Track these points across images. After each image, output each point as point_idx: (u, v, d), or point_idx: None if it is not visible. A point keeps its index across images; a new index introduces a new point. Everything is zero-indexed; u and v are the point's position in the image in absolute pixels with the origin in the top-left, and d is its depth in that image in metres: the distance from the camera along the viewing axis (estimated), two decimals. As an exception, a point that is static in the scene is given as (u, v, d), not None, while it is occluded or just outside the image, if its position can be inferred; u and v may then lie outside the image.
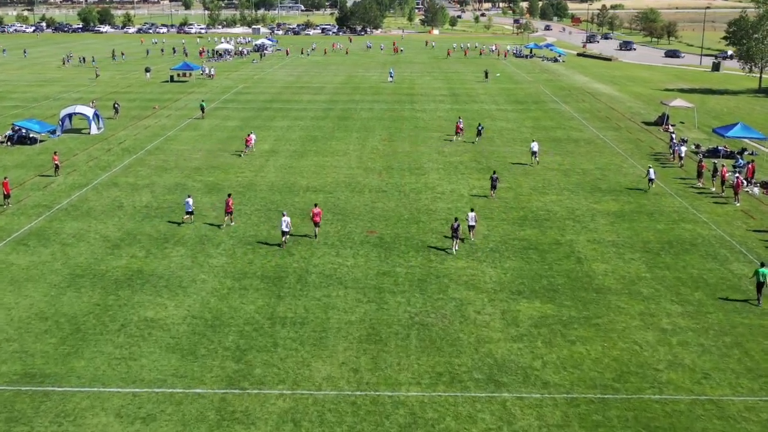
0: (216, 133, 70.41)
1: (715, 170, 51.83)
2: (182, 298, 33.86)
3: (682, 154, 58.10)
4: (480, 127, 67.77)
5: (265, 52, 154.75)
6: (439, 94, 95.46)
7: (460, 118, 72.15)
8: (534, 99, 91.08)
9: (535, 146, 58.42)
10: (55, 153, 55.74)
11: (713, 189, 51.61)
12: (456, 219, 40.26)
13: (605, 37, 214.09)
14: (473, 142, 66.43)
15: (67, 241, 41.01)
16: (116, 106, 78.01)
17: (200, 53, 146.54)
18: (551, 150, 63.35)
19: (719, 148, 61.77)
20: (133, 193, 50.53)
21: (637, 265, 37.90)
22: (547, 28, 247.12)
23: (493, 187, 50.11)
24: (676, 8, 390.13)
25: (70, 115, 70.28)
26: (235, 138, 67.72)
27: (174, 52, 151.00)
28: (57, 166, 54.38)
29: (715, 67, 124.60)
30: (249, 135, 63.38)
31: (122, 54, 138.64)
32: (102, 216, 45.43)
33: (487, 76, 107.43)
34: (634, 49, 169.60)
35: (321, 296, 34.20)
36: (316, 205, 42.39)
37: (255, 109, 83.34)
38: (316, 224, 41.38)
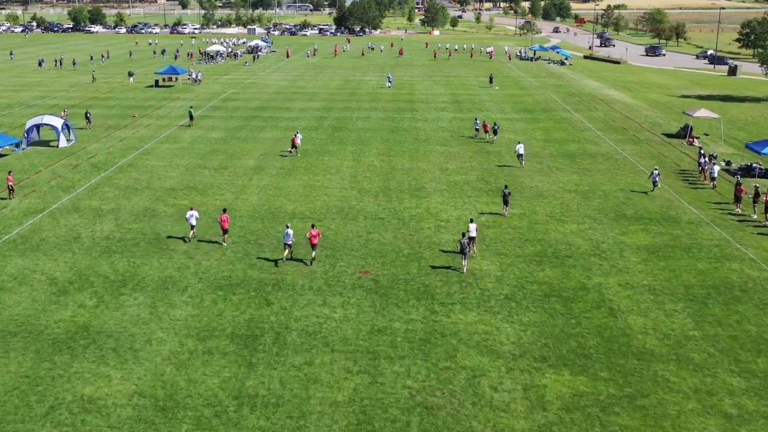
0: (197, 146, 64.16)
1: (757, 195, 45.61)
2: (132, 367, 27.61)
3: (714, 174, 51.87)
4: (495, 126, 66.28)
5: (259, 53, 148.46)
6: (440, 101, 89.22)
7: (477, 119, 70.97)
8: (543, 107, 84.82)
9: (520, 149, 56.49)
10: (9, 173, 49.39)
11: (754, 216, 45.35)
12: (464, 234, 36.90)
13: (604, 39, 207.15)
14: (490, 142, 65.31)
15: (5, 285, 34.76)
16: (88, 115, 71.62)
17: (189, 56, 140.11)
18: (566, 167, 57.11)
19: (754, 165, 55.62)
20: (94, 220, 44.28)
21: (682, 320, 31.67)
22: (557, 30, 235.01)
23: (506, 203, 44.87)
24: (680, 8, 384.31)
25: (37, 126, 64.03)
26: (218, 152, 61.48)
27: (163, 54, 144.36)
28: (11, 188, 48.09)
29: (732, 72, 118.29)
30: (295, 135, 61.81)
31: (102, 56, 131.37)
32: (54, 251, 39.17)
33: (491, 81, 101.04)
34: (664, 55, 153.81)
35: (301, 364, 27.97)
36: (313, 226, 38.02)
37: (243, 118, 77.07)
38: (314, 246, 37.02)
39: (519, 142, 59.25)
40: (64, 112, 72.65)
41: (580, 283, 35.47)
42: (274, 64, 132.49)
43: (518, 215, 45.50)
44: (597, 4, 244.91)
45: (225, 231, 39.77)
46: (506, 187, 46.97)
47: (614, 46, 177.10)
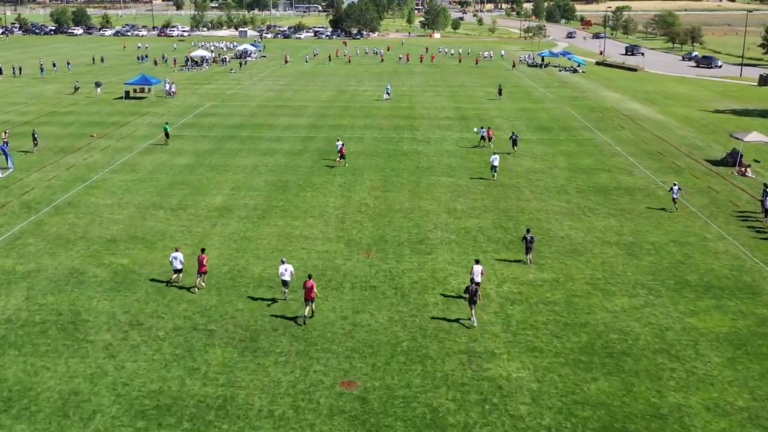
0: (157, 176, 53.82)
1: None
2: None
3: (788, 220, 41.74)
4: (514, 137, 61.25)
5: (247, 59, 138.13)
6: (444, 116, 78.88)
7: (482, 127, 65.89)
8: (562, 125, 74.47)
9: (495, 160, 52.82)
10: None
11: None
12: (472, 281, 31.36)
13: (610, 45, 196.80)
14: (510, 153, 60.67)
15: None
16: (35, 135, 61.32)
17: (173, 62, 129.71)
18: (600, 207, 46.83)
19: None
20: (0, 290, 33.90)
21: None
22: (570, 35, 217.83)
23: (528, 249, 37.17)
24: (686, 10, 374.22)
25: (-32, 152, 53.84)
26: (180, 186, 51.15)
27: (144, 60, 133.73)
28: None
29: (763, 81, 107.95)
30: (341, 145, 57.34)
31: (67, 63, 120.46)
32: (-72, 344, 28.82)
33: (500, 93, 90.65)
34: (720, 66, 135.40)
35: None
36: (310, 277, 30.83)
37: (217, 139, 66.69)
38: (311, 300, 30.64)
39: (494, 153, 55.31)
40: (6, 133, 62.19)
41: (649, 405, 25.16)
42: (262, 71, 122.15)
43: (551, 282, 35.17)
44: (609, 7, 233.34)
45: (203, 273, 33.80)
46: (528, 230, 37.82)
47: (643, 54, 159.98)
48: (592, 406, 25.05)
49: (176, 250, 34.41)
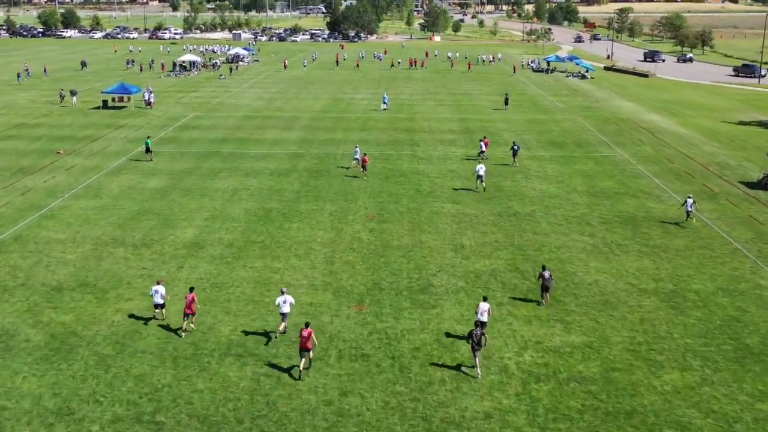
0: (124, 202, 47.36)
1: None
2: None
3: None
4: (515, 147, 57.19)
5: (239, 64, 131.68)
6: (447, 129, 72.46)
7: (485, 137, 61.37)
8: (575, 139, 68.05)
9: (481, 170, 49.84)
10: None
11: None
12: (477, 325, 27.45)
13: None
14: (511, 164, 57.12)
15: None
16: (-9, 155, 55.00)
17: (161, 67, 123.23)
18: (630, 243, 40.53)
19: None
20: None
21: None
22: (579, 40, 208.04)
23: (545, 288, 32.55)
24: (689, 12, 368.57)
25: None
26: (148, 215, 44.78)
27: (131, 64, 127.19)
28: None
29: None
30: (363, 154, 54.48)
31: (44, 70, 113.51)
32: None
33: (507, 103, 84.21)
34: (764, 76, 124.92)
35: None
36: (307, 325, 26.73)
37: (196, 156, 60.25)
38: (307, 350, 26.61)
39: (479, 163, 52.62)
40: (-42, 152, 55.78)
41: None
42: (253, 77, 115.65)
43: (582, 349, 28.77)
44: (616, 10, 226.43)
45: (189, 314, 29.47)
46: (545, 268, 32.77)
47: (663, 60, 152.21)
48: None
49: (158, 283, 30.68)
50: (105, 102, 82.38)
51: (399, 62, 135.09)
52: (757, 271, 36.80)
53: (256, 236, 41.43)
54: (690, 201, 43.38)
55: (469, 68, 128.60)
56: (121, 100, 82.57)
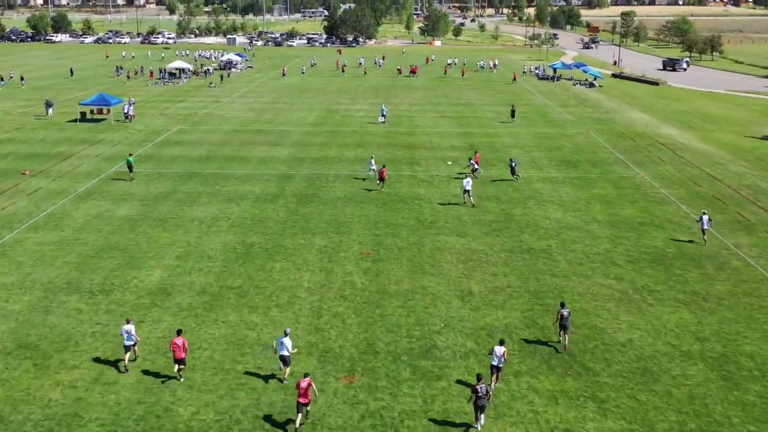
0: (87, 235, 41.90)
1: None
2: None
3: None
4: (512, 164, 53.43)
5: (231, 70, 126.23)
6: (449, 145, 67.01)
7: (477, 153, 58.24)
8: (590, 157, 62.58)
9: (468, 184, 47.15)
10: None
11: None
12: (479, 378, 23.71)
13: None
14: (516, 181, 53.43)
15: None
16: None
17: (151, 74, 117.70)
18: (663, 287, 35.23)
19: None
20: None
21: None
22: (588, 47, 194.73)
23: (563, 327, 29.14)
24: (692, 15, 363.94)
25: None
26: (111, 251, 39.43)
27: (119, 72, 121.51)
28: None
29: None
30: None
31: (21, 78, 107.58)
32: None
33: (513, 115, 78.73)
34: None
35: None
36: (306, 375, 24.02)
37: (175, 178, 54.75)
38: (306, 404, 23.79)
39: (466, 177, 49.24)
40: None
41: None
42: (245, 85, 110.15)
43: (617, 428, 23.26)
44: (622, 13, 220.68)
45: (179, 361, 26.36)
46: (563, 305, 28.92)
47: (685, 69, 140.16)
48: None
49: (127, 322, 27.78)
50: (83, 114, 76.93)
51: (399, 69, 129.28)
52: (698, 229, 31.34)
53: (233, 279, 35.92)
54: (705, 218, 40.78)
55: (462, 75, 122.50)
56: (100, 112, 77.10)
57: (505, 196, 50.43)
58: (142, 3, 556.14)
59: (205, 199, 49.49)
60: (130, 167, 53.56)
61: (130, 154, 56.46)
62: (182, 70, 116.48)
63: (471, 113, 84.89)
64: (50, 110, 77.48)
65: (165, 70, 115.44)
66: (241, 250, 39.89)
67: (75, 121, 76.86)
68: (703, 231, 41.03)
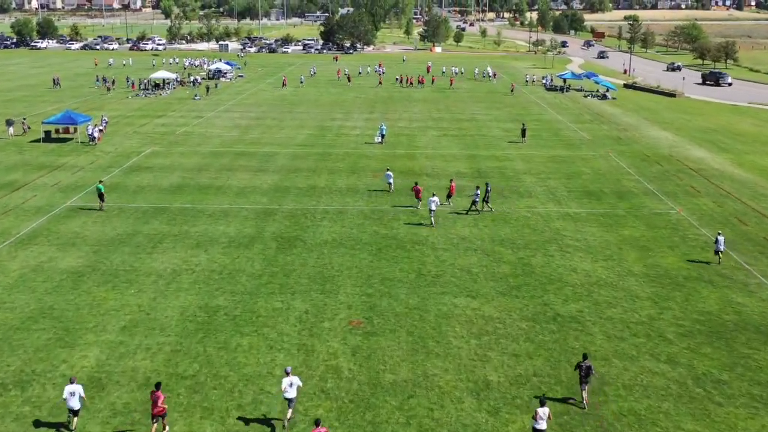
0: (18, 295, 34.61)
1: None
2: None
3: None
4: (488, 188, 48.12)
5: (221, 80, 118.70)
6: (454, 171, 59.31)
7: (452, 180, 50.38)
8: (614, 187, 55.07)
9: (433, 204, 44.40)
10: None
11: None
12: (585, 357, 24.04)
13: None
14: (487, 210, 47.54)
15: None
16: None
17: (132, 85, 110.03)
18: (733, 377, 28.15)
19: None
20: None
21: None
22: (602, 56, 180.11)
23: (583, 383, 25.48)
24: (695, 19, 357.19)
25: None
26: (43, 320, 32.37)
27: (102, 83, 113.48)
28: None
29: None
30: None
31: None
32: None
33: (524, 134, 71.19)
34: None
35: None
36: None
37: (138, 215, 47.18)
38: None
39: (433, 194, 45.61)
40: None
41: None
42: (232, 97, 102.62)
43: None
44: (628, 21, 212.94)
45: (158, 416, 23.13)
46: (585, 357, 26.19)
47: (730, 84, 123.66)
48: None
49: (71, 381, 24.12)
50: (47, 133, 69.34)
51: (398, 78, 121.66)
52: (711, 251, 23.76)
53: (187, 365, 28.39)
54: (721, 239, 38.64)
55: (451, 84, 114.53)
56: (66, 131, 69.46)
57: (522, 239, 42.92)
58: (138, 7, 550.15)
59: (169, 243, 41.93)
60: (101, 196, 46.54)
61: (101, 181, 49.62)
62: (165, 81, 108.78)
63: (476, 131, 77.39)
64: (10, 129, 69.86)
65: (146, 81, 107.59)
66: (203, 318, 32.36)
67: (38, 141, 69.26)
68: (718, 252, 38.80)
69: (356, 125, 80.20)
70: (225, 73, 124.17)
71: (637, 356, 29.46)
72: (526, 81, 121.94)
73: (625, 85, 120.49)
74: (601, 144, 70.72)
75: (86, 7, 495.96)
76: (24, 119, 74.46)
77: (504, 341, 30.58)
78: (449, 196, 49.31)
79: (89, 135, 67.64)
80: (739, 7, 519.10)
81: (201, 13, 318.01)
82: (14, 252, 40.40)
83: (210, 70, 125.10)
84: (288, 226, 45.13)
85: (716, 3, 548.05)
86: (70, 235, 43.16)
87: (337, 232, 44.07)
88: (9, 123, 70.33)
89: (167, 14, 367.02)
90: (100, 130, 69.24)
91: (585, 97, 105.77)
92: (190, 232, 43.86)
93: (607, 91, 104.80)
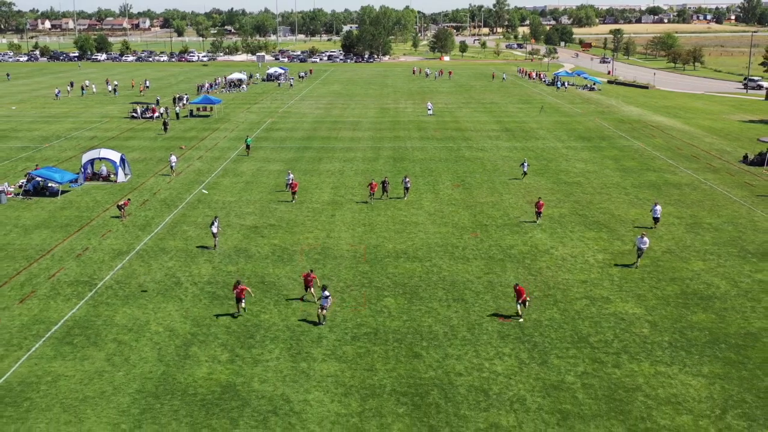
0: (253, 187, 61.33)
1: None
2: (302, 435, 24.44)
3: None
4: (406, 181, 53.65)
5: (280, 81, 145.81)
6: (491, 129, 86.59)
7: (525, 161, 66.11)
8: (598, 134, 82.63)
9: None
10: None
11: None
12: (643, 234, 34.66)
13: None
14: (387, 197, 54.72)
15: (122, 338, 31.74)
16: None
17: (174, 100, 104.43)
18: (664, 200, 54.31)
19: None
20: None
21: None
22: (605, 60, 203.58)
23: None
24: (676, 32, 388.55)
25: (92, 161, 61.24)
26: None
27: (214, 83, 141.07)
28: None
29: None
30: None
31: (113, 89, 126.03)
32: (158, 298, 36.26)
33: (542, 109, 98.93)
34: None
35: (487, 427, 24.94)
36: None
37: (294, 149, 74.17)
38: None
39: (642, 234, 40.85)
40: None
41: (740, 328, 32.78)
42: (298, 92, 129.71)
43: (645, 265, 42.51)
44: (612, 33, 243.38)
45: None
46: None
47: (763, 87, 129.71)
48: (699, 330, 32.59)
49: None
50: (191, 111, 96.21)
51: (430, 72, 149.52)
52: (752, 212, 50.92)
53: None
54: (657, 208, 45.42)
55: (449, 75, 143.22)
56: (204, 109, 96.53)
57: (537, 155, 70.28)
58: (147, 26, 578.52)
59: (326, 160, 69.17)
60: (248, 147, 71.57)
61: (248, 137, 75.17)
62: (241, 81, 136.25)
63: (497, 108, 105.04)
64: (179, 105, 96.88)
65: (226, 79, 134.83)
66: (361, 180, 59.42)
67: (187, 116, 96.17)
68: (656, 219, 45.62)
69: (407, 107, 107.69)
70: (279, 75, 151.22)
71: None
72: (503, 78, 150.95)
73: (609, 81, 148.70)
74: (591, 114, 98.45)
75: (97, 27, 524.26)
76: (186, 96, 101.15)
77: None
78: (538, 214, 47.72)
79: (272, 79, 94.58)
80: (719, 21, 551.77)
81: (213, 30, 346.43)
82: (233, 166, 67.27)
83: (268, 74, 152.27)
84: (394, 151, 72.29)
85: (698, 18, 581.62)
86: (260, 159, 70.04)
87: (428, 154, 71.06)
88: (176, 100, 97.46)
89: (180, 33, 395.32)
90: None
91: (577, 89, 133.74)
92: (335, 156, 70.88)
93: (594, 84, 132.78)
